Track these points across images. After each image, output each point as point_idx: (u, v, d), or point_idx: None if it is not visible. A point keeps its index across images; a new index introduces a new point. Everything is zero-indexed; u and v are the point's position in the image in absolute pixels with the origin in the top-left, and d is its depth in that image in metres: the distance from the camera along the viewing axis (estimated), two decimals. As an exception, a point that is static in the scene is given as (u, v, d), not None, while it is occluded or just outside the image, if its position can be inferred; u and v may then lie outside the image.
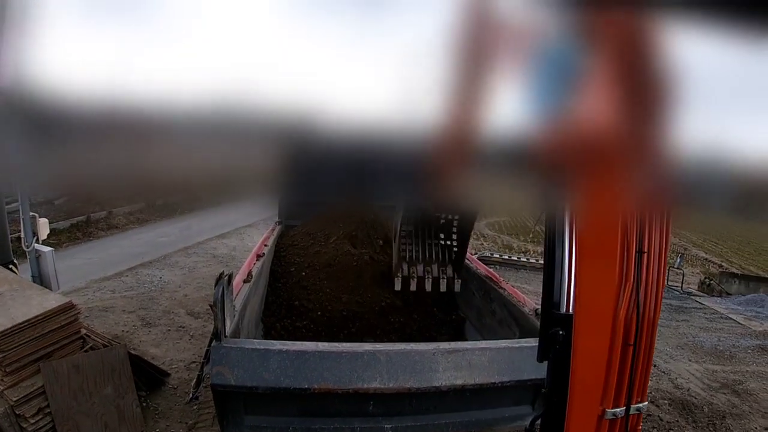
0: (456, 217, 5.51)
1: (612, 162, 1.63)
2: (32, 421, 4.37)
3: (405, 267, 5.27)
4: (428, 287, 5.43)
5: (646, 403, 1.88)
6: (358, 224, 6.73)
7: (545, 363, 2.22)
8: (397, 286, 5.29)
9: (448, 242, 5.62)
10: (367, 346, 3.24)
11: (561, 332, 2.03)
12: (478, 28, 1.86)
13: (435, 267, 5.48)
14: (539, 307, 3.95)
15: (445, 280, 5.47)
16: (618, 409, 1.80)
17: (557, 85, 1.64)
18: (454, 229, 5.60)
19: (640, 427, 1.89)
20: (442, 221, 5.52)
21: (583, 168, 1.71)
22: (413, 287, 5.41)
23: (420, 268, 5.46)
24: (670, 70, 1.53)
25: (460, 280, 5.43)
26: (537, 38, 1.65)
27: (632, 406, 1.81)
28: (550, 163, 1.76)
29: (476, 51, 1.85)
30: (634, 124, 1.56)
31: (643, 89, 1.55)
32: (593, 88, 1.59)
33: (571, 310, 2.04)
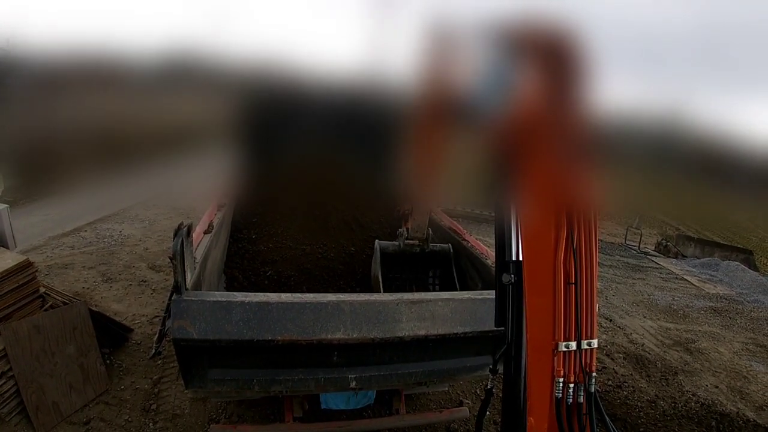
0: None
1: (543, 135, 2.00)
2: (-5, 386, 4.30)
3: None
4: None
5: (596, 340, 2.07)
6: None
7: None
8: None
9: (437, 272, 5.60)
10: (331, 297, 3.22)
11: (513, 275, 2.38)
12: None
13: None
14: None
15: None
16: (569, 342, 2.01)
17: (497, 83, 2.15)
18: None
19: (594, 365, 2.07)
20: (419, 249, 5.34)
21: (521, 142, 2.09)
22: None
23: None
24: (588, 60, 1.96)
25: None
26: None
27: (583, 341, 2.02)
28: (496, 141, 2.26)
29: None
30: (559, 106, 1.97)
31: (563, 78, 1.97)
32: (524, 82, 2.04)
33: (521, 258, 2.37)
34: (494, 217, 2.61)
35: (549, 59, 1.97)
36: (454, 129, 3.35)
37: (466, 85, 2.51)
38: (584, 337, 2.02)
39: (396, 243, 5.25)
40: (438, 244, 5.52)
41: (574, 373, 2.03)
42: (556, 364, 2.02)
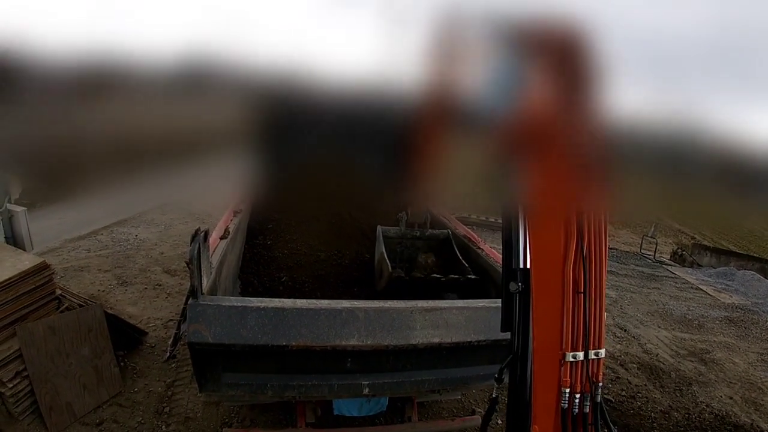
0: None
1: (554, 140, 1.98)
2: (9, 385, 4.37)
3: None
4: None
5: (603, 350, 2.05)
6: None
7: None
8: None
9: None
10: (345, 303, 3.24)
11: (521, 284, 2.33)
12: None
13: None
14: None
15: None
16: (577, 353, 2.00)
17: (507, 85, 2.10)
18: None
19: (601, 375, 2.06)
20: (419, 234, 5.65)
21: (531, 147, 2.07)
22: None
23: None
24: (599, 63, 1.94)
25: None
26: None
27: (590, 351, 2.01)
28: (504, 145, 2.23)
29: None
30: (569, 109, 1.95)
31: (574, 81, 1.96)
32: (535, 84, 2.01)
33: (528, 266, 2.33)
34: (501, 223, 2.58)
35: (560, 61, 1.95)
36: (459, 126, 3.34)
37: (476, 87, 2.48)
38: (592, 347, 2.00)
39: (397, 228, 5.55)
40: (437, 230, 5.78)
41: (581, 383, 2.02)
42: (562, 375, 2.01)
